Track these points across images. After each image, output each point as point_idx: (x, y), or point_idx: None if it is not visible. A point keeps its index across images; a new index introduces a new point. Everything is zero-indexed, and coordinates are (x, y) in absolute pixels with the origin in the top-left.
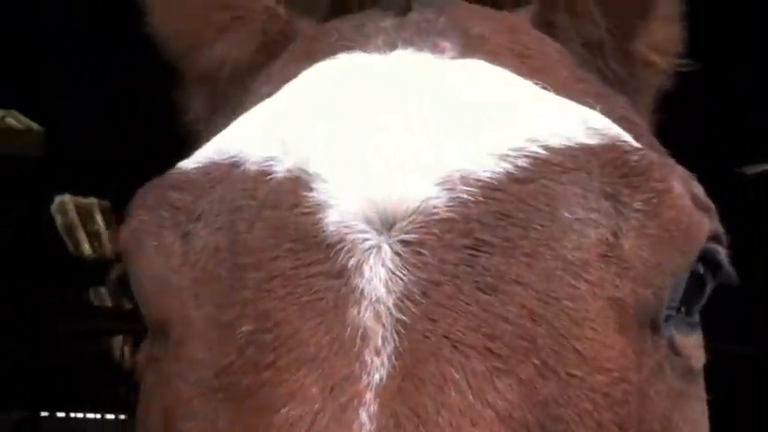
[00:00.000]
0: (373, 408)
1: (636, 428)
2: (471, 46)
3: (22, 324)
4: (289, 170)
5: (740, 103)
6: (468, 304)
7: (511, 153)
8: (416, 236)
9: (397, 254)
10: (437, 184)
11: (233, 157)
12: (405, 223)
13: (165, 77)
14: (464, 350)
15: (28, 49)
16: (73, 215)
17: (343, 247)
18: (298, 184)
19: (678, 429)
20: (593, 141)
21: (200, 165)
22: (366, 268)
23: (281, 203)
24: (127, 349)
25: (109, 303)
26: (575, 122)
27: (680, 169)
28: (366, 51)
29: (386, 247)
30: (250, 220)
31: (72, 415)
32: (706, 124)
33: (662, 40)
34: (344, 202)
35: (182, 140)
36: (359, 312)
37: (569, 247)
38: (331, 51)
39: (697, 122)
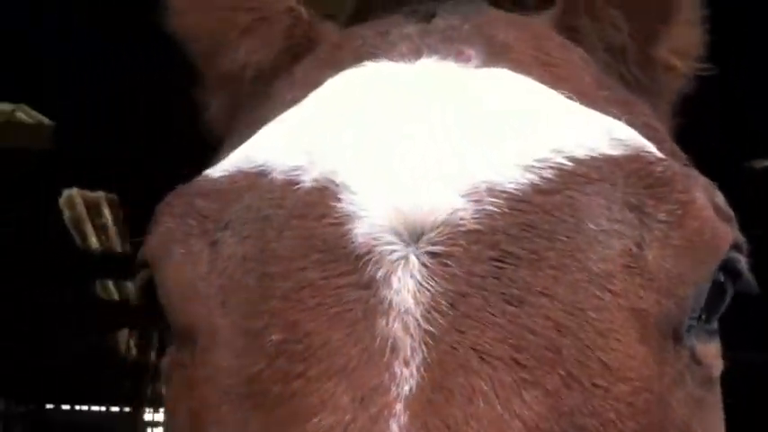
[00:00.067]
0: (404, 418)
1: None
2: (496, 54)
3: (26, 318)
4: (316, 180)
5: (741, 102)
6: (495, 316)
7: (536, 164)
8: (444, 247)
9: (425, 265)
10: (464, 196)
11: (260, 165)
12: (432, 235)
13: (169, 76)
14: (492, 362)
15: (28, 49)
16: (81, 209)
17: (371, 259)
18: (325, 194)
19: None
20: (617, 152)
21: (227, 173)
22: (394, 279)
23: (308, 213)
24: (132, 343)
25: (116, 297)
26: (599, 133)
27: (702, 179)
28: (391, 59)
29: (413, 259)
30: (278, 229)
31: (77, 407)
32: (711, 120)
33: (683, 44)
34: (372, 214)
35: (184, 137)
36: (387, 323)
37: (594, 259)
38: (356, 59)
39: (703, 118)
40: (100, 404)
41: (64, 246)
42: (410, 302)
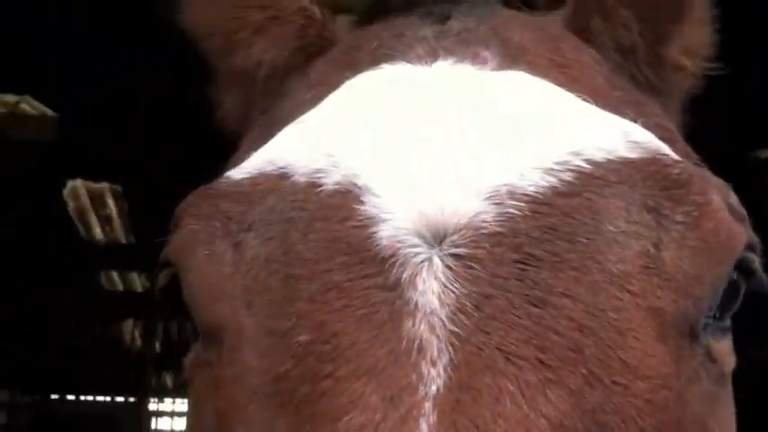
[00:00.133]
0: (433, 418)
1: None
2: (512, 56)
3: (30, 309)
4: (338, 183)
5: (751, 100)
6: (519, 317)
7: (555, 167)
8: (467, 250)
9: (449, 267)
10: (485, 199)
11: (281, 168)
12: (455, 237)
13: (170, 72)
14: (517, 362)
15: (28, 48)
16: (85, 200)
17: (396, 261)
18: (348, 197)
19: None
20: (634, 155)
21: (249, 175)
22: (419, 281)
23: (332, 216)
24: (137, 333)
25: (120, 288)
26: (616, 136)
27: (716, 180)
28: (408, 61)
29: (437, 261)
30: (301, 231)
31: (82, 398)
32: (717, 112)
33: (693, 43)
34: (396, 217)
35: (188, 133)
36: (414, 325)
37: (613, 260)
38: (373, 61)
39: (709, 110)
40: (104, 394)
41: (68, 237)
42: (435, 304)
